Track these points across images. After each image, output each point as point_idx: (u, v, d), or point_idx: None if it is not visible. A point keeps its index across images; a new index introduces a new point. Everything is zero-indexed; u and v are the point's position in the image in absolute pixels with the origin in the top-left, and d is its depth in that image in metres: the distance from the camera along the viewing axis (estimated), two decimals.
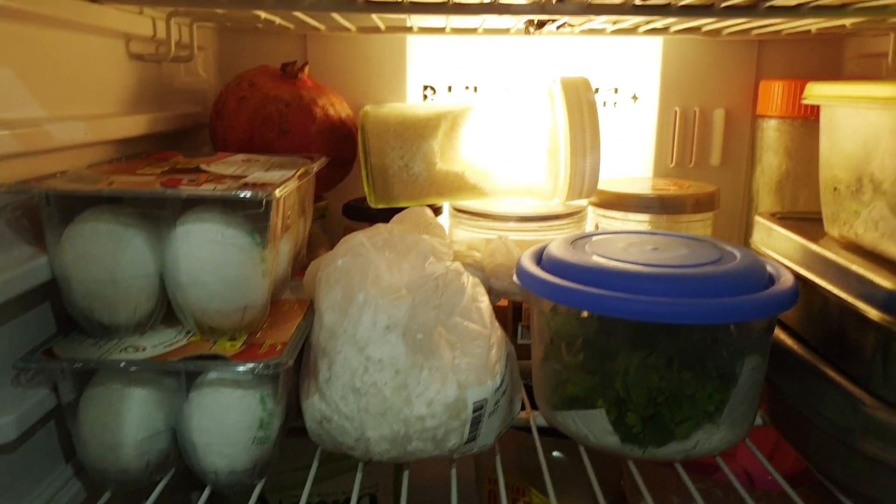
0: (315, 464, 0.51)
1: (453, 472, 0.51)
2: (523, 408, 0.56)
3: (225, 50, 0.87)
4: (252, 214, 0.45)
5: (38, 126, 0.48)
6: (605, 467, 0.56)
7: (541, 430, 0.56)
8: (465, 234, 0.73)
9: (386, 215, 0.62)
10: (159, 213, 0.45)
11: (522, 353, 0.58)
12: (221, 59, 0.87)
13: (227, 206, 0.45)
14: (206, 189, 0.45)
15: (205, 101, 0.82)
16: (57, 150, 0.52)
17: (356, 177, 0.70)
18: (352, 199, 0.78)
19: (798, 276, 0.51)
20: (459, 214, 0.73)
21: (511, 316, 0.72)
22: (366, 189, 0.68)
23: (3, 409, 0.44)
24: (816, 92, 0.53)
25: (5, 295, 0.44)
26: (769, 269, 0.49)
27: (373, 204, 0.69)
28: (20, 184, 0.45)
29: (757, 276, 0.47)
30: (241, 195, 0.44)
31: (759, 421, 0.55)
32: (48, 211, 0.44)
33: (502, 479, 0.51)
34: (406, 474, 0.51)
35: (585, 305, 0.46)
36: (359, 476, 0.50)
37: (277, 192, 0.44)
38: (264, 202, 0.44)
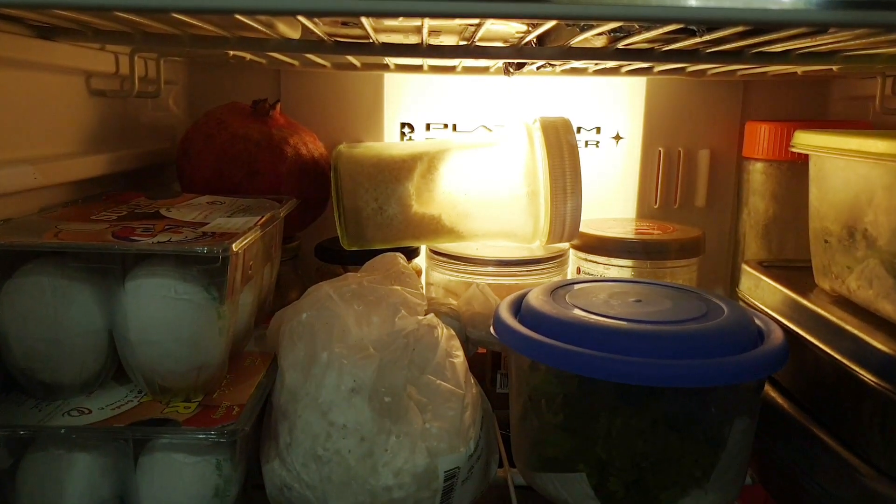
0: None
1: None
2: (501, 465, 0.53)
3: (196, 84, 0.84)
4: (208, 269, 0.42)
5: None
6: None
7: (519, 486, 0.53)
8: (443, 278, 0.71)
9: (360, 257, 0.60)
10: (108, 267, 0.42)
11: (501, 402, 0.55)
12: (192, 93, 0.84)
13: (182, 260, 0.43)
14: (159, 242, 0.42)
15: (174, 136, 0.80)
16: (3, 196, 0.49)
17: (330, 216, 0.67)
18: (325, 239, 0.75)
19: (788, 331, 0.49)
20: (437, 257, 0.71)
21: (490, 363, 0.70)
22: (339, 231, 0.66)
23: None
24: (805, 141, 0.51)
25: None
26: (758, 322, 0.47)
27: (346, 246, 0.67)
28: None
29: (745, 333, 0.45)
30: (196, 250, 0.41)
31: (747, 480, 0.52)
32: None
33: None
34: None
35: (567, 365, 0.43)
36: None
37: (235, 246, 0.41)
38: (221, 257, 0.41)
